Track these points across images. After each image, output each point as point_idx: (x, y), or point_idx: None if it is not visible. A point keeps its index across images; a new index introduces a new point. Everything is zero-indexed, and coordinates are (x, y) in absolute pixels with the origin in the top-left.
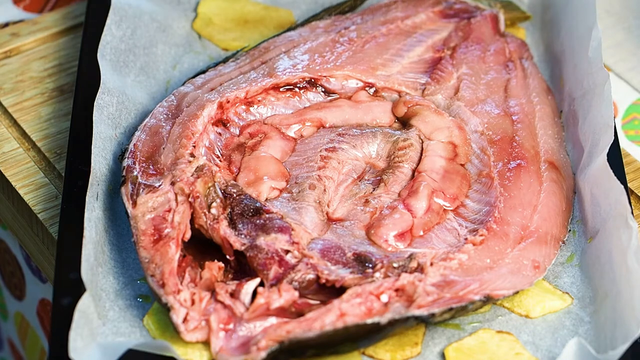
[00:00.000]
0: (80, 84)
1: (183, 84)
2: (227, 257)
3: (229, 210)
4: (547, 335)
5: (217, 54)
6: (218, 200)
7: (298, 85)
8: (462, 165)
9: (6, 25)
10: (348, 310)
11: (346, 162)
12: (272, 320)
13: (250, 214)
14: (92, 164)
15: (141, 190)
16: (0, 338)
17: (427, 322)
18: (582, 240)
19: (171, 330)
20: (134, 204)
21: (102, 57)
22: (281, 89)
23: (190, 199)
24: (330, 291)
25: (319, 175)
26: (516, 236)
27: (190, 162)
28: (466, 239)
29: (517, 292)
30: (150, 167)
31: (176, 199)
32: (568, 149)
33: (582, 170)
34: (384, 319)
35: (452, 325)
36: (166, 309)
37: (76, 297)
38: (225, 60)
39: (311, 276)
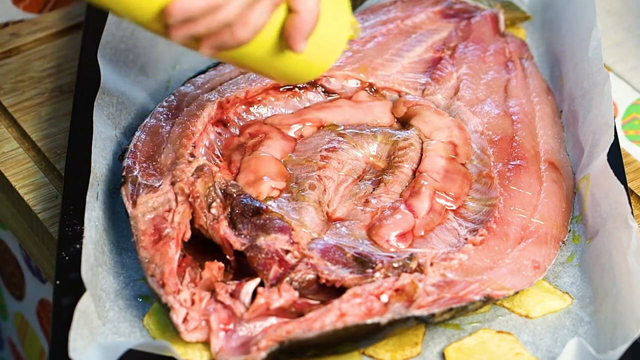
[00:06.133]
0: (80, 84)
1: (183, 84)
2: (227, 257)
3: (229, 210)
4: (547, 335)
5: None
6: (218, 200)
7: (298, 85)
8: (463, 165)
9: (6, 25)
10: (348, 311)
11: (346, 162)
12: (272, 320)
13: (250, 214)
14: (92, 164)
15: (141, 190)
16: (0, 338)
17: (427, 322)
18: (582, 240)
19: (171, 330)
20: (134, 204)
21: (102, 57)
22: (281, 89)
23: (190, 199)
24: (330, 291)
25: (319, 175)
26: (516, 236)
27: (190, 162)
28: (466, 239)
29: (517, 292)
30: (150, 167)
31: (176, 199)
32: (568, 149)
33: (582, 170)
34: (384, 319)
35: (452, 325)
36: (166, 309)
37: (76, 297)
38: None
39: (311, 276)
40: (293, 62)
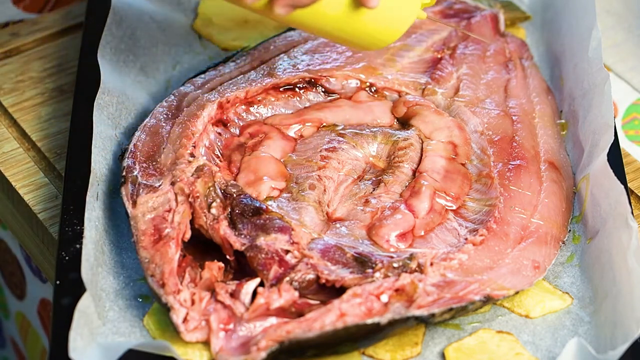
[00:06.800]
0: (80, 84)
1: (183, 84)
2: (227, 257)
3: (229, 210)
4: (547, 335)
5: (217, 54)
6: (218, 200)
7: (298, 85)
8: (463, 165)
9: (6, 25)
10: (348, 311)
11: (346, 162)
12: (272, 320)
13: (250, 214)
14: (92, 164)
15: (141, 190)
16: (2, 337)
17: (427, 322)
18: (582, 240)
19: (171, 330)
20: (134, 204)
21: (102, 57)
22: (281, 89)
23: (190, 199)
24: (330, 291)
25: (319, 175)
26: (516, 236)
27: (190, 162)
28: (466, 239)
29: (517, 292)
30: (150, 167)
31: (176, 199)
32: (568, 149)
33: (582, 170)
34: (384, 319)
35: (452, 325)
36: (166, 309)
37: (76, 297)
38: (225, 61)
39: (311, 276)
40: (365, 24)
